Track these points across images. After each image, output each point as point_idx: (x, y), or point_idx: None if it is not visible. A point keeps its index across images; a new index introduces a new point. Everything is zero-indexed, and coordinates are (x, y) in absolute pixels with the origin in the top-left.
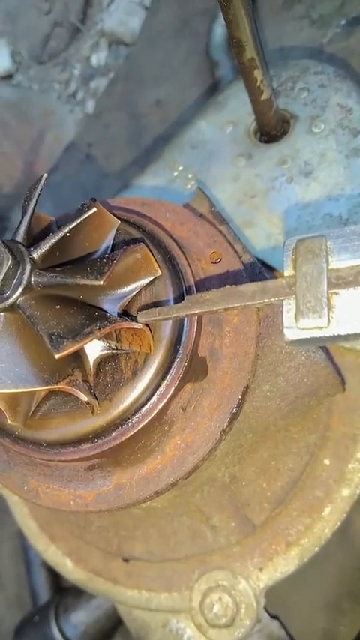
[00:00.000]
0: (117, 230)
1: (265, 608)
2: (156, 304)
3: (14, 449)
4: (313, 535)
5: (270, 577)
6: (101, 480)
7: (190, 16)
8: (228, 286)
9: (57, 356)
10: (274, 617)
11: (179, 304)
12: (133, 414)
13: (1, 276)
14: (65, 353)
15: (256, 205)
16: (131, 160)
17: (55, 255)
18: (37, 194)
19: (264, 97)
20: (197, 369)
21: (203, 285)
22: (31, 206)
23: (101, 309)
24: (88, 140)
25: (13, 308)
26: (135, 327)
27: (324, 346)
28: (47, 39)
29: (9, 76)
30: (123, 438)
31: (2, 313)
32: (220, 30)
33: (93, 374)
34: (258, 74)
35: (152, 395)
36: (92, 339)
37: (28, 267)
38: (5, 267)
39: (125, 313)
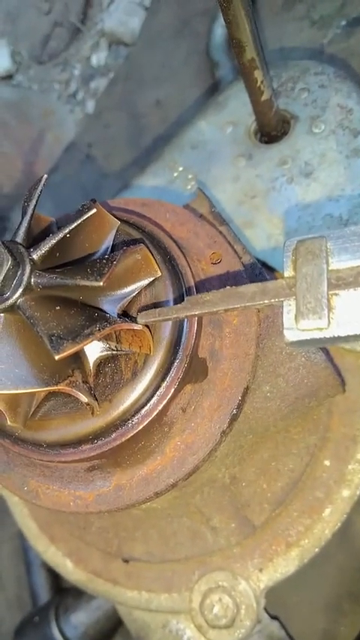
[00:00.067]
0: (117, 231)
1: (265, 609)
2: (156, 305)
3: (14, 450)
4: (313, 536)
5: (270, 578)
6: (101, 480)
7: (190, 17)
8: (228, 287)
9: (57, 357)
10: (274, 617)
11: (179, 305)
12: (133, 415)
13: (1, 277)
14: (65, 354)
15: (257, 206)
16: (131, 160)
17: (55, 256)
18: (37, 195)
19: (264, 97)
20: (197, 370)
21: (203, 286)
22: (31, 207)
23: (101, 310)
24: (88, 140)
25: (13, 309)
26: (135, 328)
27: (324, 347)
28: (47, 39)
29: (9, 76)
30: (123, 439)
31: (2, 314)
32: (220, 30)
33: (93, 375)
34: (258, 75)
35: (152, 396)
36: (92, 340)
37: (27, 268)
38: (5, 268)
39: (125, 314)
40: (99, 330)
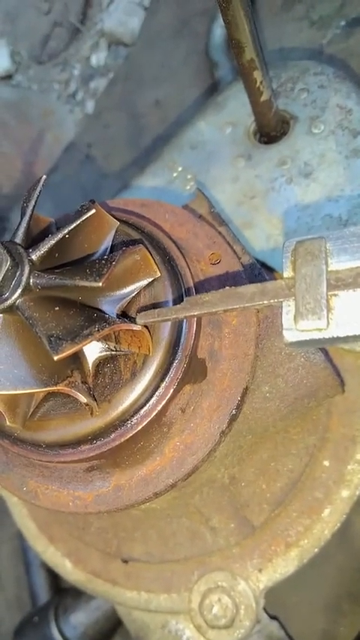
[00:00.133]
0: (116, 231)
1: (265, 609)
2: (155, 305)
3: (13, 450)
4: (312, 536)
5: (269, 578)
6: (100, 481)
7: (189, 17)
8: (227, 288)
9: (56, 357)
10: (273, 618)
11: (178, 306)
12: (132, 416)
13: (0, 278)
14: (64, 354)
15: (256, 206)
16: (131, 161)
17: (54, 256)
18: (35, 195)
19: (263, 97)
20: (196, 370)
21: (202, 286)
22: (30, 207)
23: (100, 310)
24: (87, 140)
25: (11, 309)
26: (134, 328)
27: (323, 348)
28: (47, 39)
29: (8, 76)
30: (122, 440)
31: (1, 315)
32: (219, 30)
33: (92, 375)
34: (257, 75)
35: (151, 396)
36: (91, 341)
37: (26, 269)
38: (4, 269)
39: (124, 315)
40: (98, 330)
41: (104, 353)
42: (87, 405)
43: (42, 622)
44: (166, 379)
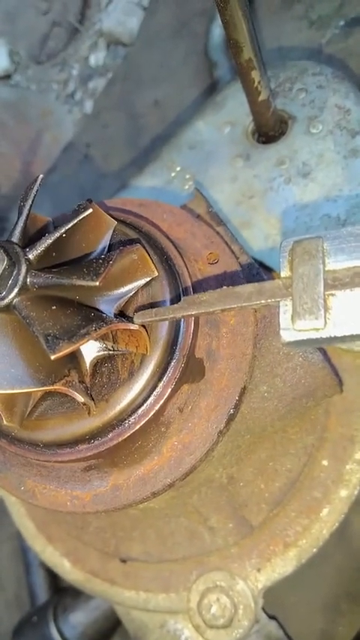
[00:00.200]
0: (114, 231)
1: (264, 609)
2: (153, 305)
3: (11, 450)
4: (311, 536)
5: (268, 578)
6: (98, 480)
7: (188, 17)
8: (225, 287)
9: (53, 357)
10: (272, 617)
11: (176, 305)
12: (130, 415)
13: None
14: (61, 354)
15: (254, 206)
16: (129, 160)
17: (51, 255)
18: (32, 195)
19: (261, 97)
20: (194, 370)
21: (200, 286)
22: (27, 207)
23: (98, 309)
24: (86, 140)
25: (8, 309)
26: (131, 327)
27: (321, 347)
28: (45, 39)
29: (7, 76)
30: (120, 439)
31: None
32: (218, 30)
33: (89, 375)
34: (255, 75)
35: (149, 396)
36: (88, 340)
37: (23, 268)
38: (1, 268)
39: (122, 314)
40: (95, 330)
41: (102, 352)
42: (84, 404)
43: (41, 622)
44: (164, 379)
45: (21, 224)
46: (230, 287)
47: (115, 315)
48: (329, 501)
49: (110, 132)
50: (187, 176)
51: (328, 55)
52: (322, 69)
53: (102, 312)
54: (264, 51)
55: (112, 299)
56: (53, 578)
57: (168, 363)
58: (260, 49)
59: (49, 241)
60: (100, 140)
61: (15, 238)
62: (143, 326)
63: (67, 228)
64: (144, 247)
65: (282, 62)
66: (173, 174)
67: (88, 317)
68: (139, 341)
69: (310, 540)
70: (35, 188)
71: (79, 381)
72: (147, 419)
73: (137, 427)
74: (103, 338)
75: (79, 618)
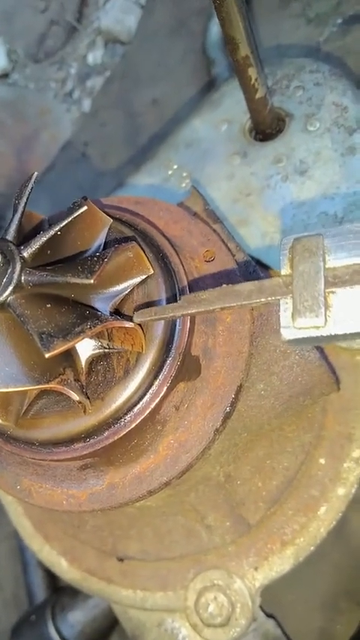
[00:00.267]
0: (109, 229)
1: (262, 608)
2: (149, 304)
3: (6, 448)
4: (308, 534)
5: (265, 576)
6: (94, 479)
7: (186, 15)
8: (224, 286)
9: (47, 355)
10: (270, 616)
11: (175, 304)
12: (126, 413)
13: None
14: (55, 352)
15: (251, 204)
16: (127, 159)
17: (46, 253)
18: (27, 192)
19: (258, 95)
20: (190, 368)
21: (196, 284)
22: (22, 204)
23: (93, 307)
24: (84, 139)
25: (3, 307)
26: (127, 325)
27: (318, 345)
28: (43, 37)
29: (5, 75)
30: (115, 437)
31: None
32: (216, 28)
33: (85, 373)
34: (252, 72)
35: (145, 394)
36: (83, 338)
37: (18, 266)
38: None
39: (117, 312)
40: (90, 327)
41: (97, 350)
42: (80, 402)
43: (39, 621)
44: (160, 377)
45: (16, 222)
46: (230, 285)
47: (111, 313)
48: (327, 499)
49: (108, 130)
50: (184, 174)
51: (326, 52)
52: (319, 66)
53: (97, 310)
54: (262, 49)
55: (107, 297)
56: (51, 578)
57: (164, 361)
58: (257, 47)
59: (44, 239)
60: (98, 138)
61: (9, 236)
62: (139, 324)
63: (61, 225)
64: (139, 245)
65: (279, 60)
66: (170, 172)
67: (83, 315)
68: (134, 339)
69: (307, 539)
70: (30, 186)
71: (75, 380)
72: (143, 417)
73: (133, 425)
74: (98, 336)
75: (77, 617)
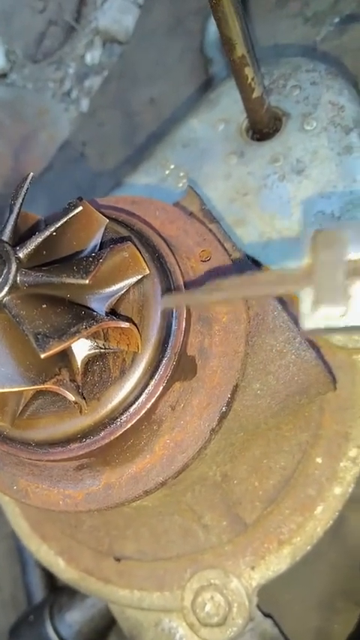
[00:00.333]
0: (105, 229)
1: (259, 607)
2: (144, 303)
3: (3, 449)
4: (305, 534)
5: (262, 576)
6: (90, 479)
7: (183, 14)
8: (248, 273)
9: (42, 355)
10: (267, 615)
11: (200, 290)
12: (122, 413)
13: None
14: (51, 352)
15: (248, 203)
16: (125, 158)
17: (41, 254)
18: (23, 193)
19: (255, 94)
20: (186, 367)
21: (192, 284)
22: (17, 205)
23: (88, 308)
24: (82, 139)
25: None
26: (122, 326)
27: (314, 345)
28: (41, 37)
29: (3, 75)
30: (112, 438)
31: None
32: (213, 28)
33: (81, 373)
34: (249, 72)
35: (141, 394)
36: (78, 339)
37: (13, 267)
38: None
39: (113, 312)
40: (85, 328)
41: (93, 351)
42: (76, 403)
43: (37, 621)
44: (156, 377)
45: (11, 222)
46: (252, 274)
47: (107, 313)
48: (323, 499)
49: (106, 130)
50: (182, 174)
51: (323, 51)
52: (315, 65)
53: (93, 310)
54: (260, 48)
55: (103, 297)
56: (49, 578)
57: (160, 361)
58: (254, 46)
59: (40, 240)
60: (97, 138)
61: (5, 237)
62: (134, 324)
63: (57, 226)
64: (135, 245)
65: (276, 59)
66: (167, 172)
67: (78, 315)
68: (130, 339)
69: (304, 538)
70: (25, 186)
71: (71, 380)
72: (139, 417)
73: (129, 425)
74: (94, 336)
75: (75, 617)
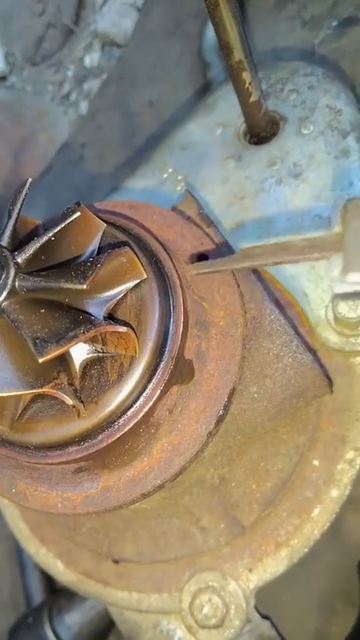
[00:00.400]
0: (103, 233)
1: (257, 609)
2: (142, 307)
3: (1, 452)
4: (302, 536)
5: (259, 578)
6: (89, 482)
7: (182, 18)
8: (279, 240)
9: (40, 360)
10: (265, 617)
11: (231, 257)
12: (120, 417)
13: None
14: (49, 357)
15: (246, 207)
16: (125, 161)
17: (40, 259)
18: (22, 198)
19: (252, 98)
20: (183, 371)
21: (189, 288)
22: (16, 210)
23: (86, 312)
24: (81, 141)
25: None
26: (120, 330)
27: (311, 348)
28: (40, 40)
29: (2, 78)
30: (109, 441)
31: None
32: (211, 32)
33: (79, 377)
34: (246, 76)
35: (138, 397)
36: (77, 343)
37: (12, 272)
38: None
39: (111, 316)
40: (83, 332)
41: (91, 355)
42: (74, 406)
43: (36, 623)
44: (153, 380)
45: (10, 227)
46: (283, 241)
47: (105, 318)
48: (320, 501)
49: (105, 132)
50: (179, 177)
51: (321, 55)
52: (313, 69)
53: (91, 314)
54: (258, 51)
55: (101, 301)
56: (48, 580)
57: (157, 365)
58: (251, 51)
59: (38, 245)
60: (96, 141)
61: (4, 242)
62: (132, 328)
63: (55, 231)
64: (133, 250)
65: (273, 63)
66: (165, 176)
67: (76, 320)
68: (128, 343)
69: (301, 540)
70: (24, 191)
71: (69, 384)
72: (136, 420)
73: (127, 429)
74: (92, 340)
75: (74, 619)
